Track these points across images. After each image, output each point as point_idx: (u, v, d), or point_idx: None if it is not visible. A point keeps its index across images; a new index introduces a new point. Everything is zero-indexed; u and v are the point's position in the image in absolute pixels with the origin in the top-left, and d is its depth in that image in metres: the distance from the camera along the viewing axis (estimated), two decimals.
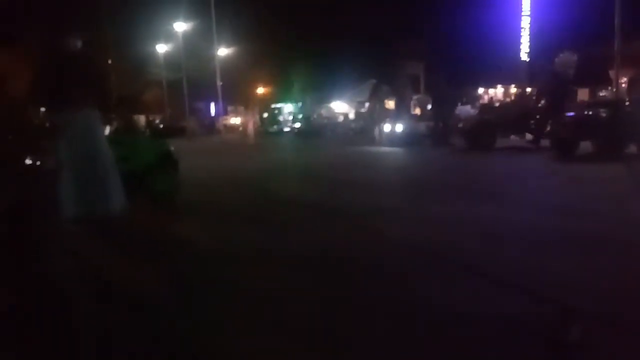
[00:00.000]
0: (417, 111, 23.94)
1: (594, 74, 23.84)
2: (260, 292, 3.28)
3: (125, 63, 32.68)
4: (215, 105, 39.66)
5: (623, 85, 20.17)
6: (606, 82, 22.68)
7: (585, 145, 11.91)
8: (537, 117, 14.11)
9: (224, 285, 3.49)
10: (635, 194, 6.62)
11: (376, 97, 26.90)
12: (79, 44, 5.21)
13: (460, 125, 15.53)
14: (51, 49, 5.23)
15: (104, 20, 24.90)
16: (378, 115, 23.01)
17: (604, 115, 11.85)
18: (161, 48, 37.68)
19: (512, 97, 25.98)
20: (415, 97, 33.41)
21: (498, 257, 3.83)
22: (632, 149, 10.87)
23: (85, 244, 4.74)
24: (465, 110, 17.87)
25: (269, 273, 3.72)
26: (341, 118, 35.09)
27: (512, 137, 14.71)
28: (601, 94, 24.19)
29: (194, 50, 35.93)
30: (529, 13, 20.97)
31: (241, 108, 43.14)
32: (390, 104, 32.19)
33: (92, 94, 5.18)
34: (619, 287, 3.14)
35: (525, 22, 20.80)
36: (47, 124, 6.07)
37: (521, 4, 20.90)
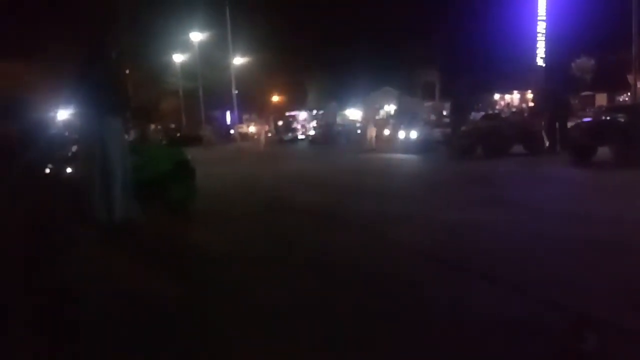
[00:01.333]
0: (432, 117, 23.85)
1: (611, 78, 23.53)
2: (269, 295, 3.31)
3: (142, 73, 33.20)
4: (230, 113, 40.03)
5: None
6: (624, 87, 22.36)
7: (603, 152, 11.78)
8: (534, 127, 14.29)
9: (233, 287, 3.53)
10: None
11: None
12: (108, 54, 5.37)
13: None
14: (77, 59, 5.40)
15: (123, 29, 25.35)
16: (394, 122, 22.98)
17: (621, 120, 11.69)
18: (178, 58, 38.19)
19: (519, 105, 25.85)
20: (429, 103, 33.34)
21: (518, 265, 3.80)
22: None
23: (102, 249, 4.87)
24: (478, 117, 17.74)
25: (279, 276, 3.75)
26: (357, 125, 35.16)
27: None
28: (620, 99, 23.87)
29: (210, 59, 36.37)
30: (544, 18, 20.84)
31: (255, 116, 43.47)
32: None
33: (116, 104, 5.34)
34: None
35: (541, 27, 20.64)
36: (67, 133, 6.21)
37: (537, 9, 20.74)
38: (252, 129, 39.79)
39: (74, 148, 7.34)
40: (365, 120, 36.80)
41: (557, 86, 16.07)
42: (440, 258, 4.06)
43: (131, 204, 5.31)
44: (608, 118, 12.27)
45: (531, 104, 26.04)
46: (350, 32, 34.87)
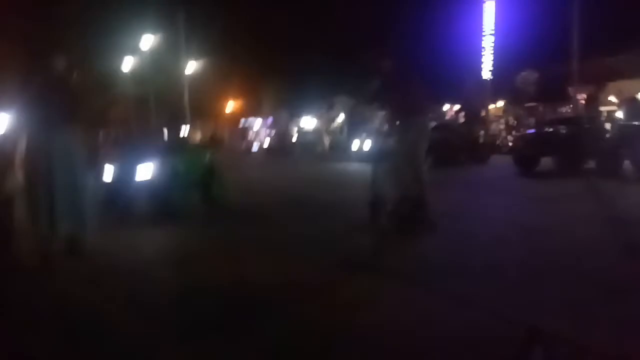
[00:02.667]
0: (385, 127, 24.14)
1: (553, 91, 24.68)
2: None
3: (90, 77, 32.10)
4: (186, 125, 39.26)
5: (582, 101, 20.94)
6: (566, 99, 23.49)
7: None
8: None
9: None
10: (584, 211, 6.83)
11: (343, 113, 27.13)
12: (62, 65, 5.14)
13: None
14: (34, 71, 5.16)
15: (80, 38, 24.56)
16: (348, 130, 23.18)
17: (563, 132, 12.27)
18: (128, 63, 37.20)
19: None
20: (383, 112, 33.83)
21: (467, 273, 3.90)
22: (590, 164, 11.26)
23: (58, 264, 4.67)
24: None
25: None
26: (311, 134, 35.28)
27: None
28: (562, 110, 25.02)
29: (162, 65, 35.60)
30: (491, 33, 21.65)
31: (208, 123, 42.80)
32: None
33: (76, 115, 5.13)
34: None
35: (488, 42, 21.45)
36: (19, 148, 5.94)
37: (482, 25, 21.56)
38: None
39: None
40: (320, 129, 37.05)
41: (471, 98, 16.83)
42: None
43: (88, 216, 5.09)
44: (551, 130, 12.86)
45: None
46: (304, 41, 35.03)
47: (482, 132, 16.50)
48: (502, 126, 22.86)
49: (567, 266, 4.07)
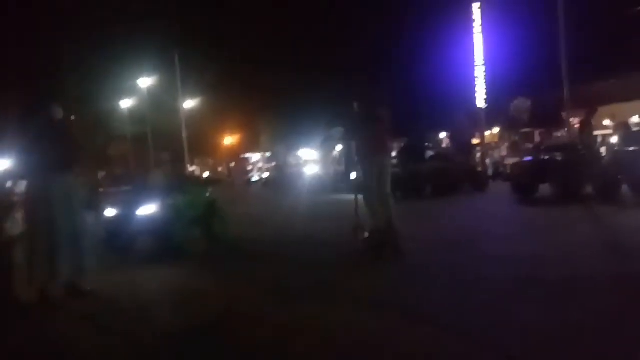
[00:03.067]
0: None
1: (547, 116, 24.99)
2: None
3: (88, 118, 32.53)
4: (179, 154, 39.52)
5: (576, 126, 21.19)
6: (559, 124, 23.76)
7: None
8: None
9: None
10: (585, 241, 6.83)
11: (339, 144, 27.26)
12: (59, 113, 5.24)
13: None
14: (33, 116, 5.24)
15: (67, 77, 24.93)
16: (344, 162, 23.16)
17: (559, 159, 12.35)
18: (125, 103, 37.69)
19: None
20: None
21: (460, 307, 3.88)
22: (588, 189, 11.29)
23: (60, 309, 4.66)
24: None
25: None
26: (310, 166, 35.45)
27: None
28: (558, 135, 25.24)
29: (159, 103, 36.06)
30: (482, 63, 22.09)
31: (205, 160, 43.08)
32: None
33: (75, 158, 5.20)
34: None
35: (480, 72, 21.85)
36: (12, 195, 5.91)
37: (474, 55, 22.02)
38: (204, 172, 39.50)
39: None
40: (318, 161, 37.25)
41: (461, 127, 17.18)
42: None
43: (86, 260, 5.09)
44: (547, 157, 12.95)
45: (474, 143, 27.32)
46: (303, 73, 35.58)
47: (481, 160, 16.70)
48: (504, 153, 23.05)
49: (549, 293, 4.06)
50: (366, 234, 6.43)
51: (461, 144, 16.39)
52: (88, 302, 4.84)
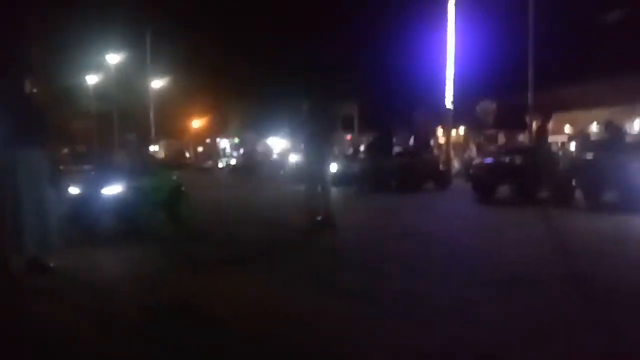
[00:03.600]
0: (350, 151, 24.62)
1: (511, 119, 25.72)
2: None
3: (52, 92, 31.52)
4: (147, 136, 38.83)
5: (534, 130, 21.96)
6: (523, 127, 24.49)
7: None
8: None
9: None
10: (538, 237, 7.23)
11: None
12: (26, 86, 5.16)
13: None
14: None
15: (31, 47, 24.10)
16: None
17: (518, 161, 12.82)
18: (92, 79, 36.69)
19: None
20: (349, 136, 34.40)
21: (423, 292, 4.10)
22: (544, 193, 11.80)
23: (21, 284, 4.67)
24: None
25: None
26: (277, 155, 35.44)
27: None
28: (519, 138, 25.98)
29: (127, 81, 35.27)
30: (453, 63, 22.52)
31: (173, 142, 42.46)
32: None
33: (39, 134, 5.13)
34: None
35: (450, 72, 22.29)
36: None
37: (446, 54, 22.43)
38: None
39: None
40: (286, 151, 37.23)
41: (421, 126, 17.72)
42: None
43: (47, 239, 5.08)
44: (507, 159, 13.41)
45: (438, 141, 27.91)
46: (273, 60, 35.38)
47: (446, 159, 17.17)
48: (473, 153, 23.56)
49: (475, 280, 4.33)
50: (318, 218, 7.66)
51: (419, 141, 16.80)
52: (51, 277, 4.87)
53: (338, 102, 34.18)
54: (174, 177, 8.81)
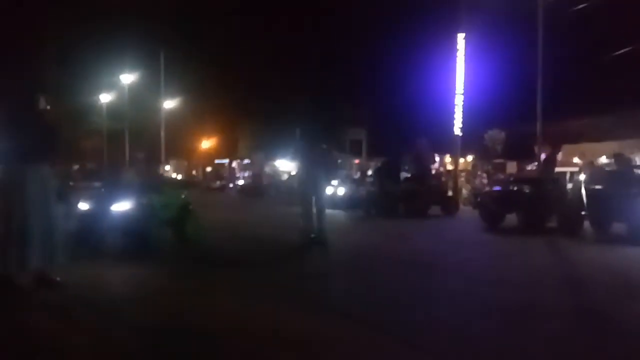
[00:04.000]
0: (357, 175, 24.69)
1: (520, 149, 25.74)
2: None
3: (65, 109, 31.97)
4: (156, 155, 39.14)
5: (542, 158, 21.89)
6: (531, 157, 24.48)
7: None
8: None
9: None
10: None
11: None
12: (40, 103, 5.26)
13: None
14: (9, 106, 5.25)
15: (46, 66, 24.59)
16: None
17: (526, 191, 12.77)
18: (105, 97, 37.22)
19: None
20: (357, 160, 34.53)
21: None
22: (552, 222, 11.71)
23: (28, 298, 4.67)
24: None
25: None
26: (285, 176, 35.49)
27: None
28: (528, 168, 25.93)
29: (139, 101, 35.75)
30: (462, 92, 22.66)
31: (181, 163, 42.75)
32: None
33: (50, 151, 5.21)
34: None
35: (459, 100, 22.42)
36: None
37: (455, 83, 22.60)
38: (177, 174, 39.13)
39: None
40: (294, 172, 37.34)
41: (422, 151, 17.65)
42: None
43: (60, 250, 5.12)
44: (515, 188, 13.37)
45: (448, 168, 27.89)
46: (283, 87, 35.78)
47: (453, 186, 17.13)
48: (484, 180, 23.45)
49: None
50: (312, 235, 8.13)
51: (419, 168, 16.69)
52: (56, 293, 4.87)
53: (345, 126, 34.56)
54: (182, 196, 8.86)
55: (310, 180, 8.26)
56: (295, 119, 9.14)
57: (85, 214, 7.75)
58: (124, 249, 7.25)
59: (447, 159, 29.01)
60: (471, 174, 25.69)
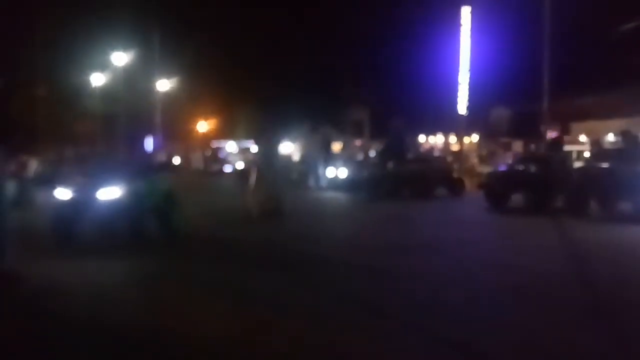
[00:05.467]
0: (360, 157, 24.36)
1: (526, 128, 25.37)
2: None
3: (57, 93, 31.66)
4: (153, 139, 38.60)
5: (552, 136, 21.59)
6: (537, 136, 24.17)
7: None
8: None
9: None
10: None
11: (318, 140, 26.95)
12: None
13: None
14: None
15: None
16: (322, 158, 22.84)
17: (533, 170, 12.54)
18: (98, 79, 36.56)
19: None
20: (358, 141, 34.16)
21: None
22: (558, 202, 11.50)
23: None
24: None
25: None
26: (285, 160, 35.18)
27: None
28: (533, 146, 25.63)
29: (134, 82, 35.16)
30: (467, 69, 22.25)
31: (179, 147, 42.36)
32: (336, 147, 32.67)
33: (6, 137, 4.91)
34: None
35: (464, 77, 22.03)
36: None
37: (459, 60, 22.20)
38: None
39: None
40: (294, 156, 37.07)
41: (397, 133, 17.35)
42: None
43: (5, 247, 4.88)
44: (521, 167, 13.14)
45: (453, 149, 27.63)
46: (283, 68, 35.29)
47: (460, 167, 16.95)
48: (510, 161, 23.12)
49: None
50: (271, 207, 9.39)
51: (393, 149, 16.29)
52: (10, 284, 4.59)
53: (350, 107, 34.13)
54: (166, 185, 8.28)
55: (265, 159, 10.38)
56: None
57: (65, 202, 7.06)
58: (102, 240, 6.71)
59: (452, 138, 28.72)
60: (489, 154, 25.19)
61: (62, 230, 6.65)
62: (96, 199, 6.90)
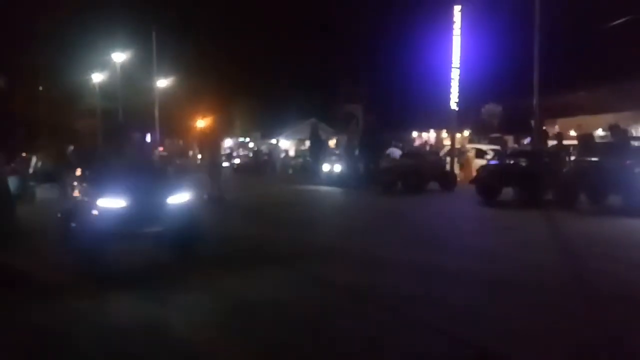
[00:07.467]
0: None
1: (517, 123, 25.66)
2: None
3: (57, 91, 31.60)
4: (151, 135, 38.70)
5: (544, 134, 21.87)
6: (528, 131, 24.44)
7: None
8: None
9: None
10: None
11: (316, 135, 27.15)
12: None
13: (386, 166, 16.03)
14: None
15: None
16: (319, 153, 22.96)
17: (523, 164, 12.78)
18: (97, 77, 36.64)
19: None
20: (351, 137, 34.29)
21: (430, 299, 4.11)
22: (548, 195, 11.75)
23: None
24: (396, 152, 18.28)
25: None
26: (282, 155, 35.40)
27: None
28: (525, 142, 25.90)
29: (132, 80, 35.21)
30: (458, 66, 22.46)
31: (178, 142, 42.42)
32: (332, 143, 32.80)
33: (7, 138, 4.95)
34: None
35: (455, 74, 22.23)
36: None
37: (451, 57, 22.38)
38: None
39: None
40: (290, 151, 37.24)
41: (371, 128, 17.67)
42: None
43: None
44: (512, 162, 13.38)
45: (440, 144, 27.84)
46: (278, 63, 35.41)
47: (451, 162, 17.19)
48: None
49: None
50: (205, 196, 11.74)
51: (368, 147, 16.51)
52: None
53: (343, 102, 34.27)
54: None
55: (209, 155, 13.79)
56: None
57: (67, 210, 6.06)
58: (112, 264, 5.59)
59: (444, 134, 28.96)
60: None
61: (75, 248, 5.56)
62: (164, 205, 5.74)
